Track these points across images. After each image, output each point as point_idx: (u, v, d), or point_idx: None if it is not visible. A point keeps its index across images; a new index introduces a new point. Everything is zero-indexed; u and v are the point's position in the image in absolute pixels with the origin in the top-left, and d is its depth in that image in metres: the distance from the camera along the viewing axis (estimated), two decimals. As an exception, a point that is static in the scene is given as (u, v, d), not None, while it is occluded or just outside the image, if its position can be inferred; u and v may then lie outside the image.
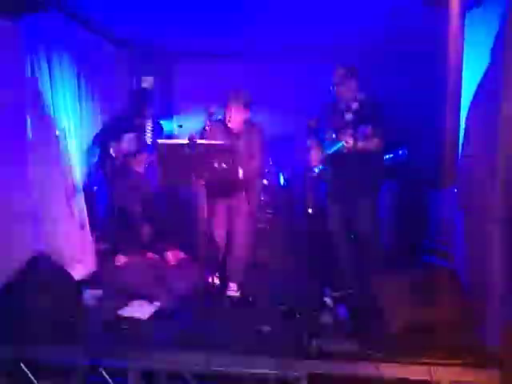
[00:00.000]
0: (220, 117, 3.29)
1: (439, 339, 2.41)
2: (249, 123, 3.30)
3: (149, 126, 4.03)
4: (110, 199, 4.41)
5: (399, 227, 4.39)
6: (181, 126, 3.52)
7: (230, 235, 3.39)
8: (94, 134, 4.16)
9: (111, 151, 3.91)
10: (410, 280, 2.80)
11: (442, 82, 3.65)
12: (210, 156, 2.72)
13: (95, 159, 3.78)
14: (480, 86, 2.77)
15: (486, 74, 2.68)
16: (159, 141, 2.93)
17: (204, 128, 3.14)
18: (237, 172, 2.83)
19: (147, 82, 5.28)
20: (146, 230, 4.75)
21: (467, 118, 3.05)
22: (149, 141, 3.99)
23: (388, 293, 2.73)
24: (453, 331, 2.46)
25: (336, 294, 3.13)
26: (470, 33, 3.00)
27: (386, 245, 4.33)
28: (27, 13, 2.93)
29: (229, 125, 3.24)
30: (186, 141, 2.73)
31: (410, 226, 4.17)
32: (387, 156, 4.13)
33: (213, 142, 2.87)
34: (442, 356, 2.26)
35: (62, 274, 2.83)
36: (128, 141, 3.94)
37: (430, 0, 2.67)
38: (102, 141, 4.03)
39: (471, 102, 2.97)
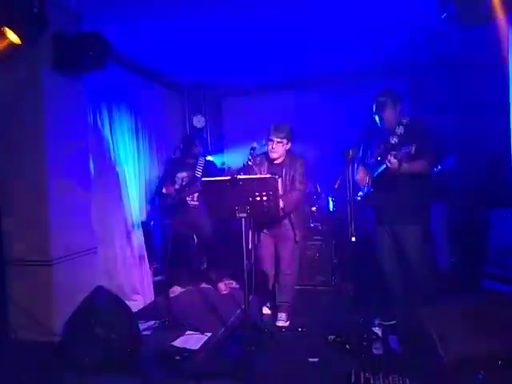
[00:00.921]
0: (264, 149, 3.43)
1: (498, 376, 2.25)
2: (291, 154, 3.39)
3: (200, 163, 4.28)
4: (167, 233, 4.69)
5: (457, 250, 4.17)
6: (223, 164, 3.70)
7: (277, 264, 3.44)
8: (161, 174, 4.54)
9: (164, 190, 4.20)
10: (463, 308, 2.64)
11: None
12: (250, 190, 2.83)
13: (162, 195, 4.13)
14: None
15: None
16: (203, 179, 3.10)
17: (247, 162, 3.29)
18: (278, 202, 2.90)
19: (199, 121, 5.63)
20: (200, 261, 4.98)
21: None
22: (198, 175, 4.24)
23: (439, 322, 2.59)
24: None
25: (386, 324, 3.03)
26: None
27: (443, 269, 4.14)
28: (89, 71, 3.28)
29: (271, 156, 3.35)
30: (227, 177, 2.87)
31: (469, 248, 3.94)
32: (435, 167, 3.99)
33: (252, 176, 2.99)
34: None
35: (120, 306, 3.01)
36: (181, 178, 4.23)
37: (464, 22, 2.60)
38: (163, 179, 4.37)
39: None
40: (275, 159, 3.36)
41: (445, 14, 2.60)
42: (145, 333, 3.21)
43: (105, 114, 4.04)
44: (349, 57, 4.45)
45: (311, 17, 3.59)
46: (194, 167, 4.27)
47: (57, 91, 3.22)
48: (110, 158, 4.01)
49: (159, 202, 4.43)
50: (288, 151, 3.38)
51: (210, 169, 4.32)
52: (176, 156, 4.58)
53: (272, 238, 3.45)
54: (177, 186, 4.23)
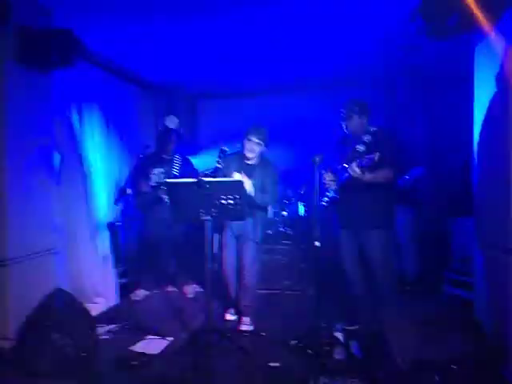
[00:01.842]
0: (237, 150, 3.44)
1: (455, 379, 2.29)
2: (264, 158, 3.43)
3: (176, 160, 4.21)
4: (135, 234, 4.59)
5: (420, 256, 4.26)
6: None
7: (239, 268, 3.43)
8: (128, 173, 4.42)
9: (142, 186, 4.09)
10: (424, 314, 2.69)
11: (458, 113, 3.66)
12: (217, 192, 2.80)
13: (125, 195, 3.98)
14: (489, 116, 2.73)
15: (494, 106, 2.64)
16: (167, 180, 3.04)
17: (217, 165, 3.27)
18: (244, 206, 2.87)
19: (172, 121, 5.54)
20: (169, 263, 4.88)
21: (479, 146, 3.00)
22: (176, 173, 4.16)
23: (400, 328, 2.63)
24: (470, 370, 2.33)
25: (349, 329, 3.05)
26: (478, 66, 3.00)
27: (404, 275, 4.21)
28: (57, 68, 3.19)
29: (248, 155, 3.37)
30: (193, 179, 2.83)
31: (431, 254, 4.03)
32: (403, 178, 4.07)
33: (219, 179, 2.96)
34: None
35: (79, 309, 2.92)
36: (157, 174, 4.13)
37: (433, 35, 2.66)
38: (133, 177, 4.26)
39: (481, 133, 2.92)
40: (249, 159, 3.37)
41: (415, 27, 2.64)
42: (104, 337, 3.12)
43: (74, 112, 3.93)
44: (324, 65, 4.49)
45: (287, 22, 3.59)
46: (170, 164, 4.19)
47: (21, 87, 3.09)
48: (78, 157, 3.90)
49: (132, 200, 4.31)
50: (261, 154, 3.41)
51: (187, 167, 4.26)
52: (150, 152, 4.46)
53: (235, 240, 3.43)
54: (153, 183, 4.14)
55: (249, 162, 3.40)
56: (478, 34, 2.72)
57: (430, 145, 4.61)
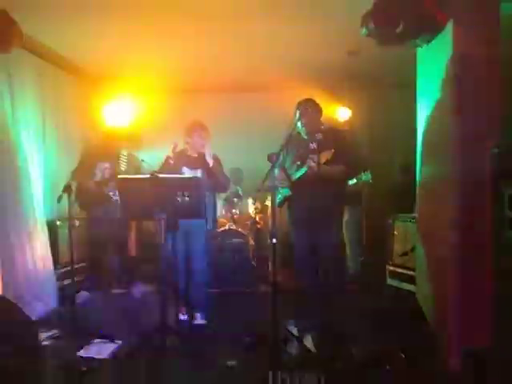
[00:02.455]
0: (183, 148, 3.39)
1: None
2: (209, 153, 3.39)
3: (123, 156, 4.02)
4: (80, 231, 4.32)
5: (365, 251, 4.48)
6: (143, 161, 3.55)
7: (188, 262, 3.37)
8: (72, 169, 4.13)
9: (88, 181, 3.86)
10: (371, 306, 2.82)
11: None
12: (172, 189, 2.72)
13: (68, 191, 3.70)
14: (432, 115, 2.92)
15: (436, 108, 2.83)
16: (119, 176, 2.90)
17: (168, 161, 3.21)
18: (199, 202, 2.82)
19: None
20: (115, 263, 4.67)
21: (422, 147, 3.20)
22: (123, 169, 3.98)
23: (350, 320, 2.74)
24: (416, 358, 2.49)
25: (301, 325, 3.11)
26: (420, 69, 3.20)
27: (351, 269, 4.41)
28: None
29: (191, 154, 3.37)
30: (147, 175, 2.72)
31: (376, 250, 4.24)
32: (352, 181, 4.25)
33: (175, 175, 2.89)
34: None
35: (17, 314, 2.69)
36: (103, 169, 3.92)
37: (382, 40, 2.78)
38: (77, 171, 4.00)
39: (424, 132, 3.12)
40: (195, 156, 3.38)
41: (364, 31, 2.74)
42: (46, 343, 2.91)
43: (7, 99, 3.60)
44: (281, 64, 4.52)
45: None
46: (116, 159, 3.98)
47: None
48: (11, 148, 3.59)
49: (75, 193, 4.02)
50: (207, 148, 3.39)
51: (135, 163, 4.08)
52: (94, 144, 4.22)
53: (183, 234, 3.37)
54: (97, 179, 3.91)
55: (196, 160, 3.39)
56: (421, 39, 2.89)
57: (375, 146, 4.84)
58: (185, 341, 2.85)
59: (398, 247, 3.99)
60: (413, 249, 3.65)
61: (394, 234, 4.05)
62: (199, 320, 3.32)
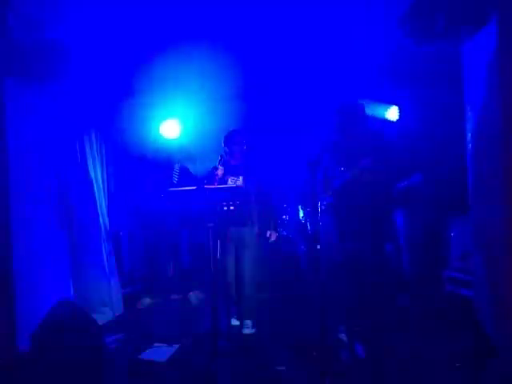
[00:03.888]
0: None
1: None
2: (249, 159, 3.55)
3: (176, 169, 4.26)
4: (139, 241, 4.63)
5: (420, 256, 4.30)
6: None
7: (239, 271, 3.46)
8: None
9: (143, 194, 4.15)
10: (427, 313, 2.73)
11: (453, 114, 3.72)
12: (217, 199, 2.84)
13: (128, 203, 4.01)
14: (481, 115, 2.79)
15: (486, 106, 2.70)
16: (170, 189, 3.09)
17: (215, 172, 3.35)
18: (244, 210, 2.92)
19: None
20: (172, 271, 4.92)
21: (473, 146, 3.05)
22: (175, 181, 4.21)
23: (404, 327, 2.67)
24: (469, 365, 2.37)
25: (352, 330, 3.08)
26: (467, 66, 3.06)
27: (406, 274, 4.25)
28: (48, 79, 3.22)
29: (233, 163, 3.51)
30: (194, 187, 2.87)
31: (431, 254, 4.06)
32: (402, 182, 4.13)
33: (219, 186, 3.02)
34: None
35: (86, 319, 2.94)
36: (157, 181, 4.19)
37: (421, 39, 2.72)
38: (133, 185, 4.31)
39: (474, 134, 2.98)
40: (235, 165, 3.51)
41: (403, 33, 2.70)
42: (111, 346, 3.15)
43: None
44: (318, 69, 4.52)
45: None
46: (169, 172, 4.24)
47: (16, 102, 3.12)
48: (83, 168, 3.94)
49: (133, 205, 4.34)
50: (245, 155, 3.54)
51: (186, 175, 4.31)
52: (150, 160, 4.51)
53: (233, 245, 3.47)
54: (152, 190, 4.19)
55: (237, 169, 3.51)
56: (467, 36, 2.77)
57: (427, 145, 4.64)
58: (235, 345, 2.94)
59: (455, 250, 3.80)
60: (470, 252, 3.46)
61: (450, 236, 3.87)
62: (249, 329, 3.38)
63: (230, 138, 3.49)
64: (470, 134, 3.08)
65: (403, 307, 3.26)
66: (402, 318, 3.02)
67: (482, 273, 2.92)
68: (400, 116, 4.73)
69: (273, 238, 3.51)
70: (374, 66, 4.39)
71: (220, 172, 3.38)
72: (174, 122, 4.86)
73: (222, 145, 3.53)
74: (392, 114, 4.87)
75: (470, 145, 3.08)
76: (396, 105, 4.76)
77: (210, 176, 3.35)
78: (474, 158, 3.05)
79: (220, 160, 3.35)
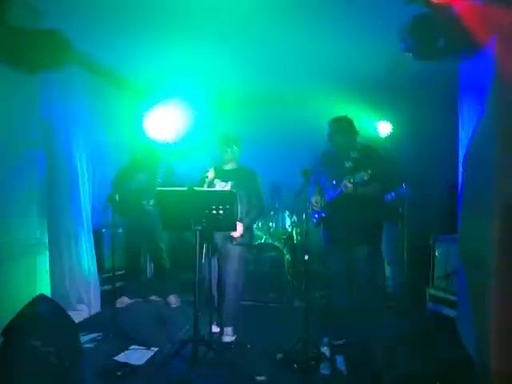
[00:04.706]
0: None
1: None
2: (243, 166, 3.47)
3: (162, 169, 4.19)
4: (120, 239, 4.52)
5: (404, 271, 4.31)
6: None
7: (221, 278, 3.40)
8: (113, 177, 4.35)
9: (125, 190, 4.05)
10: (409, 330, 2.73)
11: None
12: (207, 202, 2.79)
13: (111, 201, 3.89)
14: (474, 135, 2.82)
15: (478, 125, 2.73)
16: (158, 188, 3.03)
17: (206, 174, 3.30)
18: (232, 215, 2.87)
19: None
20: (152, 271, 4.84)
21: (464, 165, 3.09)
22: (160, 180, 4.14)
23: (385, 343, 2.66)
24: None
25: (335, 344, 3.06)
26: (462, 84, 3.11)
27: (390, 290, 4.27)
28: (46, 69, 3.15)
29: (224, 167, 3.45)
30: (184, 188, 2.82)
31: (415, 270, 4.08)
32: (390, 196, 4.14)
33: (211, 188, 2.97)
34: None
35: (63, 316, 2.85)
36: (140, 180, 4.10)
37: (421, 55, 2.74)
38: (117, 182, 4.21)
39: (466, 150, 3.01)
40: (226, 163, 3.44)
41: (403, 46, 2.71)
42: (87, 345, 3.07)
43: (60, 109, 3.83)
44: (315, 80, 4.54)
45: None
46: (154, 170, 4.16)
47: (10, 88, 3.04)
48: (63, 157, 3.83)
49: (116, 202, 4.23)
50: (236, 159, 3.48)
51: (172, 174, 4.23)
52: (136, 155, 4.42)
53: (217, 250, 3.42)
54: (134, 189, 4.10)
55: (227, 168, 3.45)
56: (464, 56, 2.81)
57: (417, 162, 4.70)
58: (216, 353, 2.88)
59: (438, 269, 3.83)
60: (453, 272, 3.49)
61: (435, 255, 3.89)
62: (228, 336, 3.32)
63: (223, 141, 3.42)
64: (461, 153, 3.12)
65: (388, 322, 3.25)
66: (387, 334, 3.01)
67: (465, 292, 2.94)
68: (391, 131, 4.78)
69: (236, 235, 3.22)
70: (369, 80, 4.44)
71: (210, 174, 3.34)
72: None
73: (215, 147, 3.47)
74: (384, 128, 4.92)
75: (462, 164, 3.12)
76: (388, 120, 4.80)
77: (201, 178, 3.30)
78: (466, 176, 3.08)
79: (210, 162, 3.32)
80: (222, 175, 3.42)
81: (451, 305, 3.49)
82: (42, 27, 3.09)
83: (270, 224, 4.83)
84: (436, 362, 2.54)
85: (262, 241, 4.55)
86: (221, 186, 3.35)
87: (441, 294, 3.69)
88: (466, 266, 2.98)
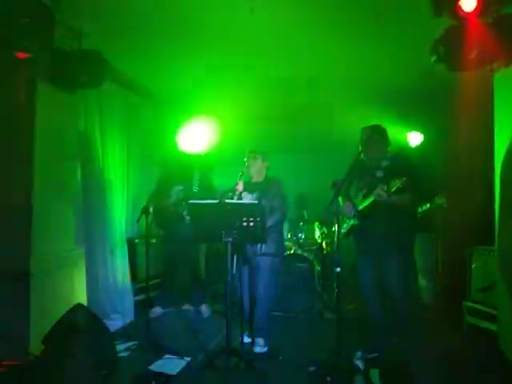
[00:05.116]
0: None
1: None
2: (269, 178, 3.54)
3: (196, 178, 4.27)
4: (155, 249, 4.61)
5: (441, 282, 4.19)
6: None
7: (253, 290, 3.42)
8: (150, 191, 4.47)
9: (162, 203, 4.15)
10: (447, 344, 2.65)
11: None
12: (238, 214, 2.83)
13: (145, 212, 4.00)
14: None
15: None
16: (190, 201, 3.09)
17: (235, 187, 3.36)
18: (263, 227, 2.89)
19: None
20: (187, 281, 4.88)
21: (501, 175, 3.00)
22: (195, 190, 4.22)
23: (420, 358, 2.59)
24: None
25: (369, 357, 3.00)
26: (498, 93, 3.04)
27: (424, 301, 4.15)
28: (85, 87, 3.33)
29: (251, 180, 3.52)
30: (215, 201, 2.87)
31: (451, 282, 3.96)
32: (425, 206, 4.07)
33: (240, 201, 3.01)
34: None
35: (100, 326, 2.93)
36: (177, 192, 4.20)
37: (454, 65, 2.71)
38: (155, 194, 4.32)
39: (504, 159, 2.93)
40: (253, 176, 3.51)
41: (435, 58, 2.69)
42: (122, 354, 3.13)
43: (96, 126, 4.00)
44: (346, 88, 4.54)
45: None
46: (190, 182, 4.25)
47: (51, 106, 3.20)
48: (99, 170, 3.97)
49: (153, 214, 4.33)
50: (266, 175, 3.55)
51: (207, 183, 4.31)
52: (171, 168, 4.53)
53: (248, 263, 3.44)
54: (172, 201, 4.19)
55: (254, 181, 3.52)
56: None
57: (451, 172, 4.59)
58: (248, 363, 2.88)
59: (476, 281, 3.70)
60: (492, 285, 3.36)
61: (471, 267, 3.77)
62: (260, 347, 3.32)
63: (251, 157, 3.49)
64: (498, 163, 3.03)
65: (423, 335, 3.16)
66: (423, 347, 2.93)
67: (507, 306, 2.84)
68: (424, 141, 4.70)
69: None
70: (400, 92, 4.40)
71: (240, 187, 3.39)
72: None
73: (244, 160, 3.52)
74: (415, 139, 4.86)
75: (499, 174, 3.03)
76: (420, 131, 4.74)
77: (230, 189, 3.36)
78: (503, 186, 2.99)
79: (241, 175, 3.37)
80: (250, 188, 3.48)
81: (490, 318, 3.36)
82: (82, 48, 3.27)
83: (300, 235, 4.82)
84: (474, 378, 2.45)
85: (292, 251, 4.54)
86: (247, 198, 3.40)
87: (479, 307, 3.56)
88: (506, 278, 2.88)
